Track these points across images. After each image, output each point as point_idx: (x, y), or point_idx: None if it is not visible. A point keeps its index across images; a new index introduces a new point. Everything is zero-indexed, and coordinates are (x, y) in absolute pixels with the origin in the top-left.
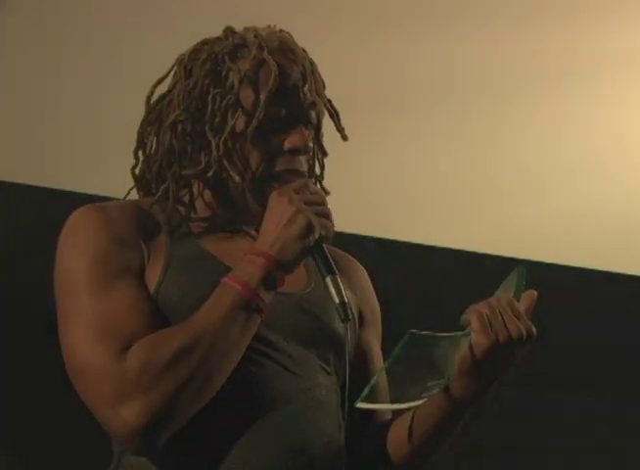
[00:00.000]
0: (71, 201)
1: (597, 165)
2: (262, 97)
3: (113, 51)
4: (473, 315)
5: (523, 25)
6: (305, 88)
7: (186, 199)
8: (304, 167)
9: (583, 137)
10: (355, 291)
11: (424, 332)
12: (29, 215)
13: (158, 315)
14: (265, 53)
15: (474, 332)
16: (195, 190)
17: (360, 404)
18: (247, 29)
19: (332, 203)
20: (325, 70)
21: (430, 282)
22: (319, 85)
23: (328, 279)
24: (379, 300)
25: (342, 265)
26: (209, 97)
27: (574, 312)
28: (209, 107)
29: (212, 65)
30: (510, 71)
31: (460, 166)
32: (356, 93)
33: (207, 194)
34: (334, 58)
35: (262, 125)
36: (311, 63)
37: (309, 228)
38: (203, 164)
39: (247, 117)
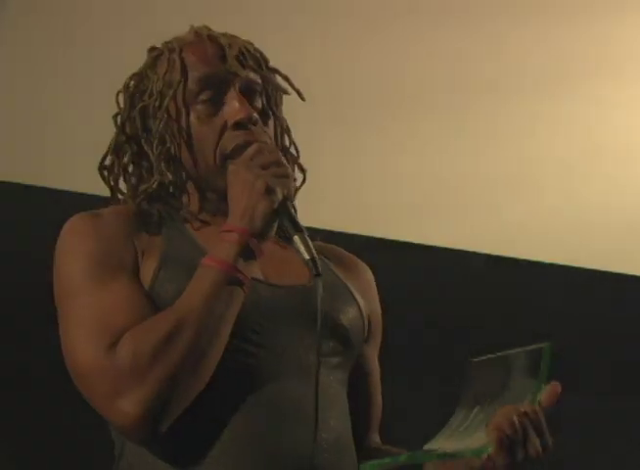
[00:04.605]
0: (72, 201)
1: (596, 165)
2: (179, 90)
3: (114, 51)
4: (494, 434)
5: (521, 26)
6: (227, 62)
7: (183, 198)
8: (264, 137)
9: (582, 137)
10: (364, 296)
11: (438, 453)
12: (29, 216)
13: (151, 310)
14: (175, 53)
15: (493, 451)
16: (189, 189)
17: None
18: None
19: (333, 203)
20: (326, 71)
21: (430, 282)
22: (248, 57)
23: (296, 237)
24: (379, 300)
25: (349, 267)
26: (136, 112)
27: (574, 312)
28: (138, 121)
29: (135, 84)
30: (508, 72)
31: (459, 167)
32: (356, 93)
33: (200, 192)
34: (335, 58)
35: (199, 114)
36: (237, 42)
37: (269, 191)
38: (156, 177)
39: (177, 115)
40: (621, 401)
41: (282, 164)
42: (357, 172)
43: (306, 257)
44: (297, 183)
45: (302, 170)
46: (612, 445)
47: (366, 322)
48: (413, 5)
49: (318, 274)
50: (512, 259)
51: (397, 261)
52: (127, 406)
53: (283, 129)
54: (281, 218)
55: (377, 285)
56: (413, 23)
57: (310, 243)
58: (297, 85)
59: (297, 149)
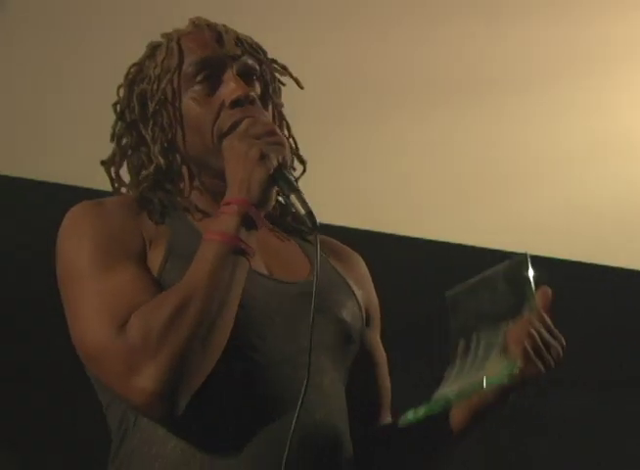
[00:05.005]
0: (74, 195)
1: (599, 158)
2: (176, 74)
3: (114, 44)
4: (517, 350)
5: (523, 17)
6: (225, 46)
7: (180, 185)
8: (264, 115)
9: (584, 129)
10: (361, 287)
11: (475, 384)
12: (31, 210)
13: (159, 293)
14: (173, 41)
15: (522, 365)
16: (185, 174)
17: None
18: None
19: (333, 196)
20: (328, 65)
21: (429, 276)
22: (245, 43)
23: (292, 196)
24: (379, 295)
25: (345, 259)
26: (134, 97)
27: (576, 307)
28: (137, 107)
29: (135, 73)
30: (513, 67)
31: (460, 160)
32: (359, 86)
33: (199, 179)
34: (337, 52)
35: (195, 95)
36: (235, 31)
37: (264, 157)
38: (154, 161)
39: (173, 97)
40: (623, 396)
41: (275, 133)
42: (359, 166)
43: (303, 212)
44: (297, 174)
45: (302, 162)
46: (612, 441)
47: (364, 315)
48: (415, 2)
49: (316, 227)
50: (513, 254)
51: (399, 256)
52: (142, 383)
53: (282, 119)
54: (278, 183)
55: (375, 278)
56: (417, 18)
57: (307, 201)
58: (298, 79)
59: (295, 141)
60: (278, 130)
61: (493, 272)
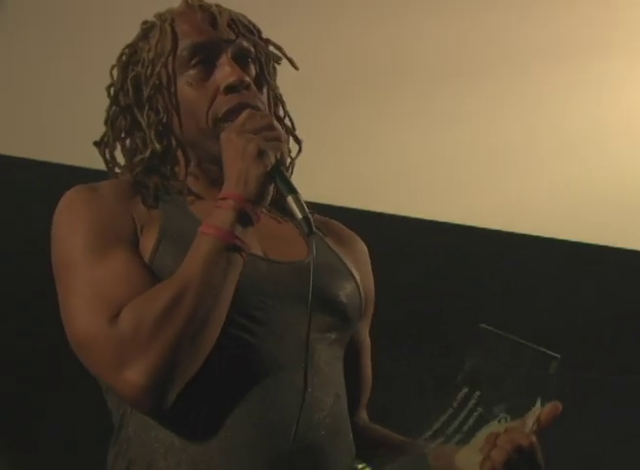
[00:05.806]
0: (72, 175)
1: (598, 141)
2: (170, 58)
3: (114, 27)
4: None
5: (525, 4)
6: (219, 29)
7: (175, 168)
8: (257, 101)
9: (584, 113)
10: (359, 271)
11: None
12: (29, 190)
13: (152, 282)
14: (167, 23)
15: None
16: (180, 158)
17: None
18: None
19: (332, 177)
20: (326, 48)
21: (428, 256)
22: (239, 25)
23: (289, 198)
24: (378, 275)
25: (346, 242)
26: (128, 81)
27: (573, 287)
28: (131, 91)
29: (128, 55)
30: (511, 50)
31: (461, 142)
32: (359, 70)
33: (192, 160)
34: (336, 36)
35: (190, 80)
36: (229, 11)
37: (262, 154)
38: (149, 146)
39: (167, 82)
40: (625, 379)
41: (274, 128)
42: (359, 148)
43: (299, 215)
44: (293, 154)
45: (298, 141)
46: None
47: (363, 297)
48: None
49: (312, 232)
50: (511, 234)
51: (396, 236)
52: (132, 376)
53: (277, 99)
54: (275, 181)
55: (375, 260)
56: (417, 4)
57: (304, 203)
58: (297, 63)
59: (291, 120)
60: (277, 124)
61: (525, 349)
